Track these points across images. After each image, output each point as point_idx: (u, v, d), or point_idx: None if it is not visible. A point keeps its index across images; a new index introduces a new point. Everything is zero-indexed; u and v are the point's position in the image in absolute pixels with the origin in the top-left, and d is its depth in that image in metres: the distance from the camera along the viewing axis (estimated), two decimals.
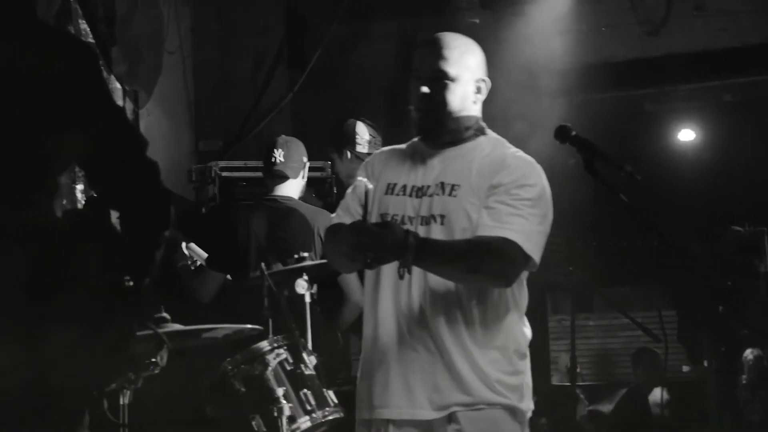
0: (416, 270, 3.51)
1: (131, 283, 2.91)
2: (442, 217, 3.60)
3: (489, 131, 3.82)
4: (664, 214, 8.94)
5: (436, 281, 3.58)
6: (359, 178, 3.87)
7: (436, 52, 3.71)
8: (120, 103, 6.82)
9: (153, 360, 4.34)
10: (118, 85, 6.88)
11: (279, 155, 5.83)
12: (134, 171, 2.95)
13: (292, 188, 5.88)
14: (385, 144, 5.04)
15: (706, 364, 9.48)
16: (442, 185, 3.63)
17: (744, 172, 9.89)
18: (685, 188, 9.93)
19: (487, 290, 3.62)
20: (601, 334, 10.54)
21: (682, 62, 7.79)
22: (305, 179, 5.99)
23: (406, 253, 3.37)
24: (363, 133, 6.11)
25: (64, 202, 5.93)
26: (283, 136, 5.83)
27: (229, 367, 4.74)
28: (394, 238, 3.37)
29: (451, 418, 3.58)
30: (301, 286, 5.13)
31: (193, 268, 5.76)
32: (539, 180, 3.69)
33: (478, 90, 3.78)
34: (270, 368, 4.71)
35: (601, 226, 8.73)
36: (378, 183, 3.76)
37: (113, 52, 7.01)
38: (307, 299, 5.13)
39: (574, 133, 3.90)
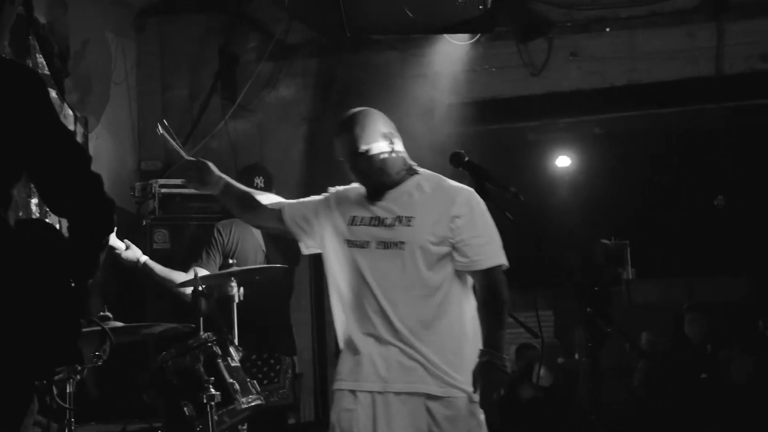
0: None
1: (74, 284, 2.85)
2: (402, 243, 3.90)
3: (420, 169, 4.08)
4: (544, 229, 9.02)
5: None
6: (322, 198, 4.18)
7: (346, 137, 4.00)
8: (72, 127, 6.70)
9: (97, 353, 4.27)
10: (71, 112, 6.76)
11: (260, 182, 5.82)
12: (80, 183, 2.89)
13: None
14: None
15: (576, 356, 9.61)
16: (399, 218, 3.93)
17: (610, 193, 10.06)
18: (561, 206, 10.05)
19: None
20: None
21: (560, 100, 7.85)
22: None
23: (502, 367, 3.81)
24: None
25: (21, 214, 5.80)
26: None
27: (165, 360, 4.67)
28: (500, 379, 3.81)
29: None
30: (230, 288, 5.08)
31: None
32: (477, 204, 3.95)
33: (391, 142, 4.00)
34: (200, 361, 4.65)
35: None
36: (339, 214, 4.06)
37: (66, 83, 6.89)
38: (235, 300, 5.08)
39: (467, 158, 3.91)
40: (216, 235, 5.77)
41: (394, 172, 3.99)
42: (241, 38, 7.87)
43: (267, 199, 4.28)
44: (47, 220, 4.48)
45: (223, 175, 4.29)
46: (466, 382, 3.82)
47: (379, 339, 3.89)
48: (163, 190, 7.09)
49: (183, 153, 4.35)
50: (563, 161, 10.34)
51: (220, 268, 5.58)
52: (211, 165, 4.28)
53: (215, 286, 5.21)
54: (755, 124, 8.93)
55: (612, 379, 7.89)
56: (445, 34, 7.38)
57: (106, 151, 7.40)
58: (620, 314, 9.07)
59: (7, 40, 3.07)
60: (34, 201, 6.16)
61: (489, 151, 7.21)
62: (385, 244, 3.92)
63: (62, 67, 6.83)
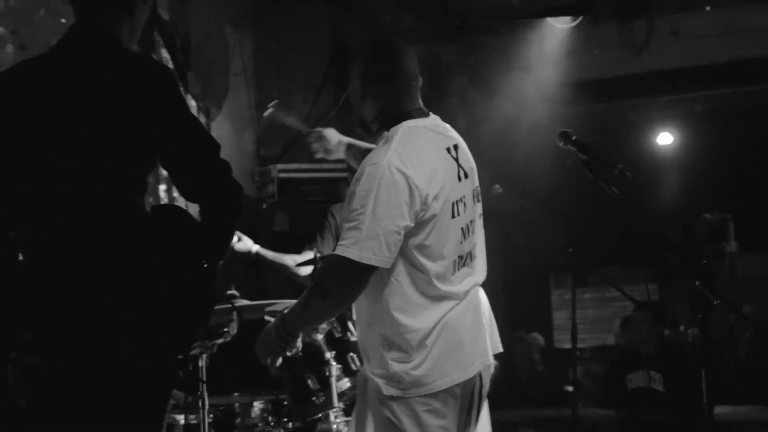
0: None
1: (206, 265, 2.92)
2: None
3: (405, 122, 3.17)
4: (649, 205, 8.89)
5: None
6: None
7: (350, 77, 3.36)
8: None
9: (225, 329, 4.35)
10: (194, 103, 6.89)
11: None
12: (210, 169, 2.94)
13: None
14: None
15: (682, 328, 9.45)
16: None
17: (711, 168, 9.84)
18: (664, 183, 9.88)
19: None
20: (594, 305, 10.49)
21: (661, 78, 7.75)
22: None
23: (277, 338, 3.18)
24: None
25: (151, 199, 5.95)
26: None
27: None
28: (268, 344, 3.22)
29: None
30: None
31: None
32: (366, 181, 3.03)
33: (365, 83, 3.22)
34: (321, 336, 4.69)
35: (596, 215, 8.68)
36: None
37: (189, 75, 7.02)
38: None
39: (574, 137, 3.85)
40: (329, 218, 5.77)
41: (368, 120, 3.25)
42: (351, 27, 7.91)
43: None
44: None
45: (344, 138, 3.84)
46: (378, 374, 3.13)
47: None
48: (282, 175, 7.16)
49: (302, 127, 4.13)
50: (665, 139, 10.16)
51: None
52: (329, 131, 3.84)
53: None
54: None
55: (718, 350, 7.74)
56: (547, 18, 7.33)
57: (227, 139, 7.51)
58: (723, 287, 8.89)
59: (138, 38, 3.14)
60: (162, 187, 6.30)
61: (592, 130, 7.14)
62: None
63: (185, 61, 6.95)
